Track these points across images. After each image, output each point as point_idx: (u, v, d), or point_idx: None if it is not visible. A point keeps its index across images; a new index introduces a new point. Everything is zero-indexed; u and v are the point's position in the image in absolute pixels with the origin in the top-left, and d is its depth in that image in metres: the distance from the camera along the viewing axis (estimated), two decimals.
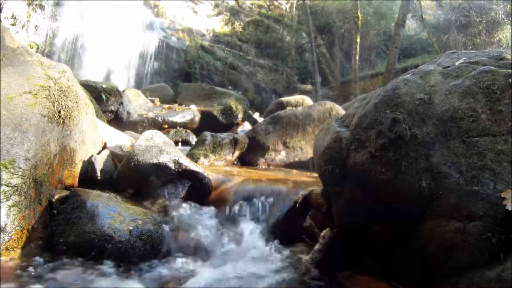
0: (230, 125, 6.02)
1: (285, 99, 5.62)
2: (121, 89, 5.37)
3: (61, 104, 2.34)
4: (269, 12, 14.72)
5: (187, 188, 2.69)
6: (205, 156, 3.74)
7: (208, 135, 3.91)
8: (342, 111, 4.11)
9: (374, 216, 1.87)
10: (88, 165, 2.60)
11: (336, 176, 1.97)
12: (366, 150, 1.84)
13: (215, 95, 6.38)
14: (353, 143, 1.90)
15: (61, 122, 2.32)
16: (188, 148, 4.47)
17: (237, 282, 1.88)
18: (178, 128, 5.38)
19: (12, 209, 1.88)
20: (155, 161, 2.57)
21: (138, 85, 8.72)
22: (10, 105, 2.09)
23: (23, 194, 1.94)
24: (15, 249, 1.87)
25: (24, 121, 2.08)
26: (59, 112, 2.31)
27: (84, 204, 2.11)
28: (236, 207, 2.61)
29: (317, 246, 2.11)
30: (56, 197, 2.16)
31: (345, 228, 2.04)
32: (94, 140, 2.78)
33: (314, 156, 2.25)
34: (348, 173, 1.92)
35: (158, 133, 2.81)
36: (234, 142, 3.95)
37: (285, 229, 2.46)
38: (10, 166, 1.92)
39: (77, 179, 2.50)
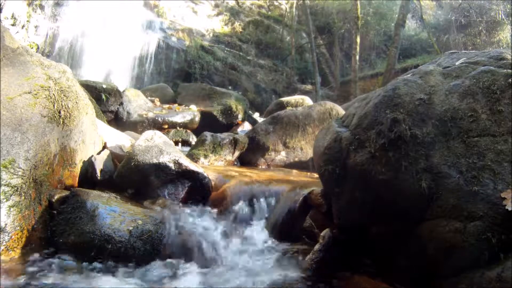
0: (230, 125, 6.01)
1: (285, 99, 5.63)
2: (121, 89, 5.37)
3: (61, 104, 2.34)
4: (269, 12, 14.72)
5: (187, 188, 2.70)
6: (205, 156, 3.74)
7: (208, 135, 3.91)
8: (342, 111, 4.11)
9: (374, 216, 1.87)
10: (88, 165, 2.60)
11: (336, 176, 1.97)
12: (366, 150, 1.84)
13: (215, 95, 6.38)
14: (353, 143, 1.90)
15: (61, 122, 2.32)
16: (188, 148, 4.47)
17: (236, 282, 1.88)
18: (178, 128, 5.38)
19: (12, 209, 1.88)
20: (155, 161, 2.57)
21: (138, 85, 8.72)
22: (10, 105, 2.09)
23: (23, 194, 1.94)
24: (15, 249, 1.87)
25: (24, 121, 2.08)
26: (59, 112, 2.31)
27: (84, 204, 2.11)
28: (236, 208, 2.60)
29: (317, 246, 2.11)
30: (56, 197, 2.16)
31: (345, 228, 2.04)
32: (94, 140, 2.78)
33: (314, 156, 2.25)
34: (348, 173, 1.92)
35: (158, 133, 2.81)
36: (234, 142, 3.95)
37: (285, 229, 2.46)
38: (10, 166, 1.92)
39: (77, 179, 2.50)
